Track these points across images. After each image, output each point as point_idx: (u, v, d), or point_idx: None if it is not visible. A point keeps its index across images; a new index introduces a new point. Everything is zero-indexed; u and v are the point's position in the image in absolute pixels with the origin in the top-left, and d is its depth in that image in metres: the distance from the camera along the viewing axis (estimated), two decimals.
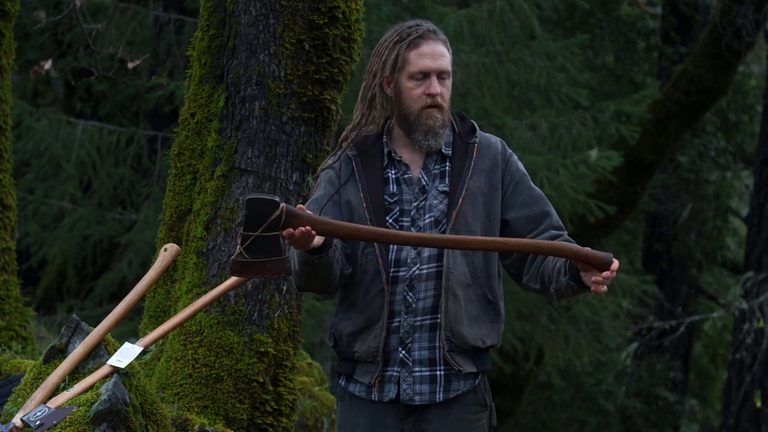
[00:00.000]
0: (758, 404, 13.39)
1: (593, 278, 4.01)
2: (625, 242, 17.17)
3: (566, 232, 4.30)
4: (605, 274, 3.99)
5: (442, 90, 4.21)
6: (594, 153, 11.04)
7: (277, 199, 3.93)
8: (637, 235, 17.27)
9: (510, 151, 4.35)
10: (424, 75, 4.21)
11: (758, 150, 14.57)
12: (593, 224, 12.16)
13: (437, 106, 4.20)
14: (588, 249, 4.03)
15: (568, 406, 16.70)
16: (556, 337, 12.39)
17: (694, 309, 17.28)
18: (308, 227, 3.95)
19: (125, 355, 4.51)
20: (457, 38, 10.71)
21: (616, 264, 4.01)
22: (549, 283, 4.17)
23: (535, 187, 4.32)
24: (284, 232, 3.95)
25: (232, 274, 4.02)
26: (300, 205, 4.02)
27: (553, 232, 4.25)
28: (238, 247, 3.94)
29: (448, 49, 4.26)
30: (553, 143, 11.30)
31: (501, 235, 4.27)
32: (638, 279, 12.72)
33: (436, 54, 4.21)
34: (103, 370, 4.49)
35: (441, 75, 4.21)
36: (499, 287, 4.31)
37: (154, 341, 4.65)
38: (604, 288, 4.01)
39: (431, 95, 4.19)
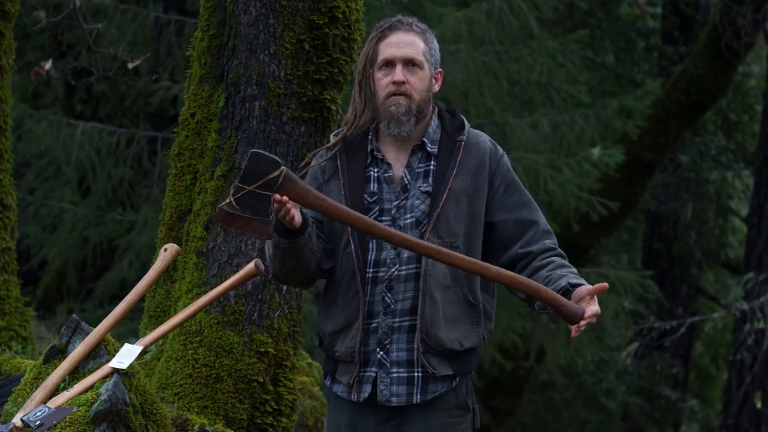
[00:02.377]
0: (758, 405, 13.39)
1: (570, 328, 4.09)
2: (626, 241, 17.16)
3: (555, 240, 4.28)
4: (577, 326, 4.05)
5: (410, 78, 4.19)
6: (596, 151, 11.04)
7: (281, 161, 3.94)
8: (637, 234, 17.27)
9: (501, 151, 4.32)
10: (390, 64, 4.21)
11: (758, 150, 14.57)
12: (594, 224, 12.16)
13: (402, 94, 4.19)
14: (561, 299, 4.04)
15: (569, 405, 16.70)
16: (558, 336, 12.40)
17: (695, 309, 17.27)
18: (289, 203, 3.96)
19: (126, 356, 4.51)
20: (455, 39, 10.71)
21: (589, 314, 4.03)
22: (534, 299, 4.19)
23: (525, 191, 4.30)
24: (275, 195, 3.95)
25: (216, 221, 4.03)
26: None
27: (547, 243, 4.24)
28: (230, 196, 3.95)
29: (427, 41, 4.24)
30: (555, 141, 11.30)
31: (486, 237, 4.26)
32: (638, 274, 12.71)
33: (401, 43, 4.21)
34: (103, 370, 4.49)
35: (409, 63, 4.20)
36: (488, 288, 4.29)
37: (154, 341, 4.64)
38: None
39: (395, 83, 4.18)
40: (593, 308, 4.05)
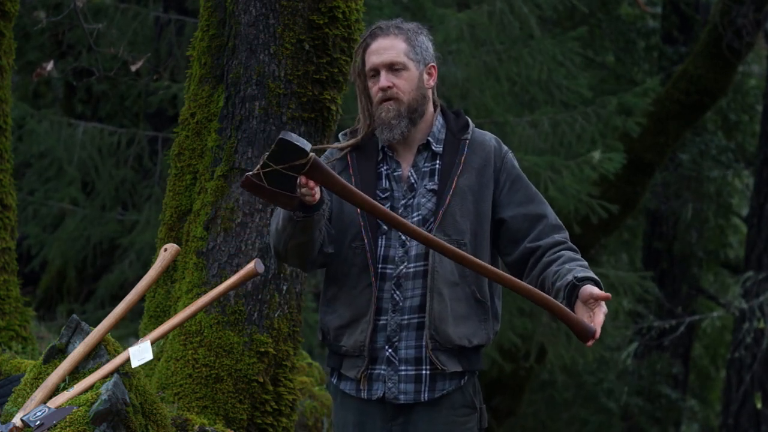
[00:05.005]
0: (758, 405, 13.38)
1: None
2: (626, 241, 17.16)
3: (566, 233, 4.30)
4: (587, 344, 4.08)
5: (396, 81, 4.23)
6: (597, 155, 11.04)
7: (308, 148, 3.95)
8: (638, 234, 17.27)
9: (506, 148, 4.36)
10: (376, 71, 4.26)
11: (758, 150, 14.58)
12: (594, 224, 12.17)
13: (391, 99, 4.23)
14: (574, 317, 4.05)
15: (569, 404, 16.70)
16: (558, 336, 12.41)
17: (695, 308, 17.26)
18: (316, 188, 3.98)
19: (140, 354, 4.50)
20: (457, 39, 10.71)
21: (597, 335, 4.06)
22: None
23: (531, 186, 4.33)
24: (302, 178, 3.97)
25: (242, 186, 4.05)
26: None
27: (557, 237, 4.25)
28: (258, 167, 3.97)
29: (409, 40, 4.26)
30: (555, 140, 11.30)
31: (496, 233, 4.28)
32: (638, 275, 12.71)
33: (381, 48, 4.25)
34: (103, 370, 4.49)
35: (392, 67, 4.24)
36: (494, 286, 4.30)
37: (155, 341, 4.64)
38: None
39: (381, 89, 4.24)
40: (600, 318, 4.05)
